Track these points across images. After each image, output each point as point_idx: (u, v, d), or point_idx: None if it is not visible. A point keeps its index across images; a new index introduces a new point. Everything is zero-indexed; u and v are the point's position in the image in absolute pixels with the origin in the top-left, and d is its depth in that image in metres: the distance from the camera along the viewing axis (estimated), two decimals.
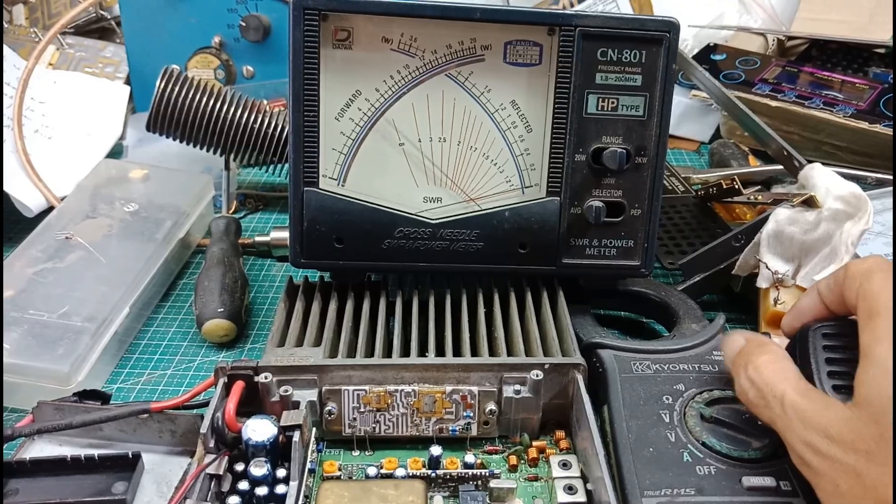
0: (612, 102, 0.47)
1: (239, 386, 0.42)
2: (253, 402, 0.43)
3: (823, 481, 0.32)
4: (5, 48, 0.77)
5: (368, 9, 0.46)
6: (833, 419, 0.32)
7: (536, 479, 0.41)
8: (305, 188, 0.47)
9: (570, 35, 0.46)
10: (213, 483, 0.39)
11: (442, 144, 0.48)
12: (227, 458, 0.40)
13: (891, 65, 0.81)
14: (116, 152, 0.78)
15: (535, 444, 0.43)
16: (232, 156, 0.68)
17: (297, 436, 0.40)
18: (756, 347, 0.38)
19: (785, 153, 0.56)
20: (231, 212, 0.70)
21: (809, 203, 0.49)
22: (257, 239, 0.65)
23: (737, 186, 0.55)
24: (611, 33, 0.46)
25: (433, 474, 0.41)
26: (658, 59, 0.47)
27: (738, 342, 0.39)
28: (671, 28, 0.46)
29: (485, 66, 0.47)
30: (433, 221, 0.48)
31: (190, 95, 0.65)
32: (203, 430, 0.40)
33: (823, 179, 0.50)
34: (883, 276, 0.35)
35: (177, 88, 0.65)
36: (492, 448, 0.43)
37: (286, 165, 0.69)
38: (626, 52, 0.46)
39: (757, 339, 0.39)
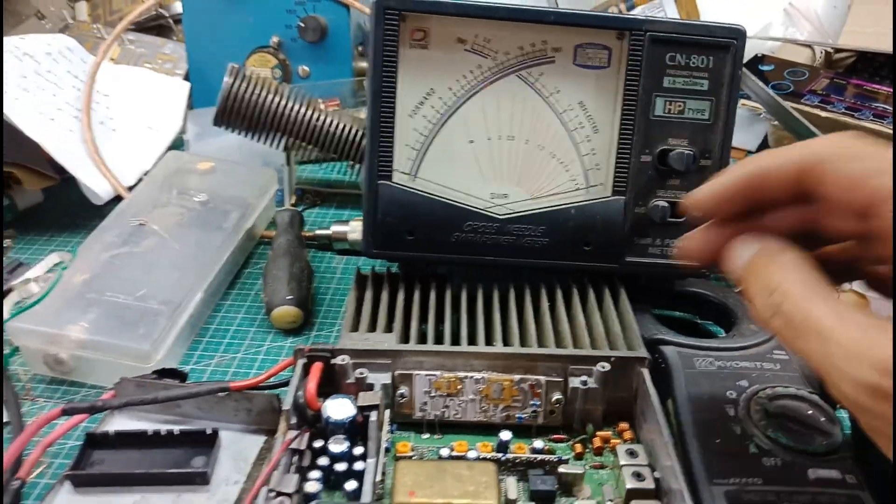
0: (679, 105, 0.49)
1: (318, 367, 0.44)
2: (327, 384, 0.45)
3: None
4: (73, 42, 0.80)
5: (445, 10, 0.48)
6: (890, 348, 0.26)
7: (602, 466, 0.43)
8: (380, 181, 0.49)
9: (640, 40, 0.48)
10: (294, 458, 0.41)
11: (510, 142, 0.50)
12: (307, 434, 0.42)
13: None
14: (177, 146, 0.80)
15: (599, 434, 0.45)
16: (294, 151, 0.70)
17: (374, 416, 0.42)
18: (768, 259, 0.31)
19: None
20: (291, 206, 0.72)
21: None
22: (318, 232, 0.67)
23: None
24: (680, 38, 0.48)
25: (503, 458, 0.42)
26: (725, 65, 0.48)
27: (748, 250, 0.33)
28: (738, 35, 0.48)
29: (555, 68, 0.49)
30: (500, 217, 0.50)
31: (256, 92, 0.67)
32: (286, 407, 0.42)
33: None
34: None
35: (243, 85, 0.67)
36: (557, 436, 0.45)
37: (344, 163, 0.72)
38: (694, 58, 0.48)
39: (770, 246, 0.32)
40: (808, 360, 0.29)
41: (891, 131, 0.72)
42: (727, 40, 0.48)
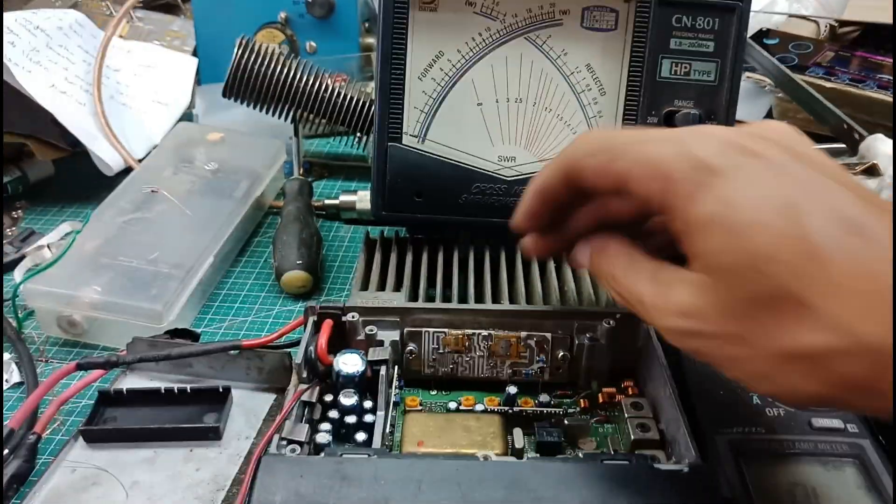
0: (685, 67, 0.49)
1: (328, 323, 0.45)
2: (337, 342, 0.46)
3: (717, 359, 0.29)
4: (84, 17, 0.81)
5: None
6: (683, 297, 0.30)
7: (608, 420, 0.44)
8: (389, 143, 0.50)
9: (647, 2, 0.48)
10: (305, 410, 0.42)
11: (518, 105, 0.50)
12: (318, 388, 0.43)
13: None
14: (185, 120, 0.81)
15: (604, 389, 0.45)
16: (301, 123, 0.71)
17: (383, 370, 0.43)
18: (598, 255, 0.36)
19: (845, 127, 0.57)
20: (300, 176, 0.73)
21: (871, 171, 0.51)
22: (326, 202, 0.68)
23: None
24: (686, 1, 0.48)
25: (510, 411, 0.43)
26: (730, 27, 0.49)
27: (583, 252, 0.37)
28: None
29: (562, 31, 0.49)
30: (508, 179, 0.51)
31: (265, 64, 0.68)
32: (298, 361, 0.42)
33: (886, 148, 0.51)
34: (636, 142, 0.32)
35: (253, 57, 0.68)
36: (563, 392, 0.46)
37: (351, 137, 0.72)
38: (700, 20, 0.49)
39: (596, 244, 0.37)
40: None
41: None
42: (733, 2, 0.48)
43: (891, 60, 0.80)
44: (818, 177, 0.28)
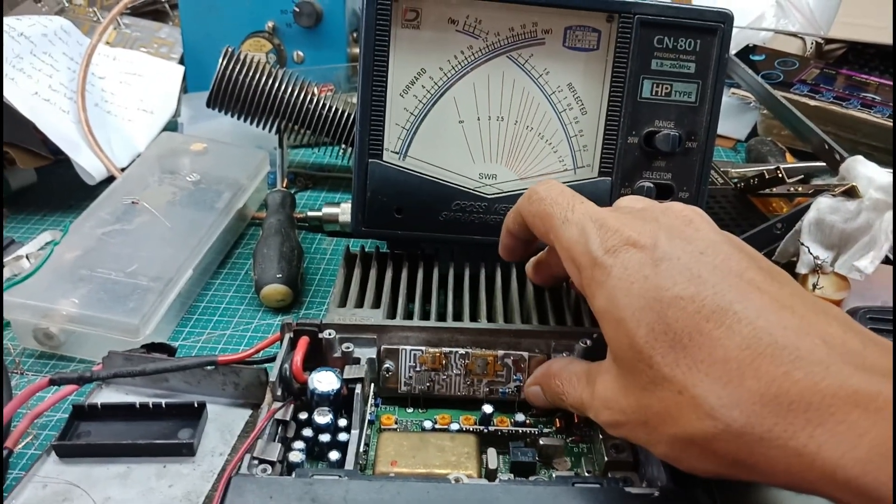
0: (666, 88, 0.49)
1: (304, 341, 0.44)
2: (314, 359, 0.45)
3: (640, 444, 0.34)
4: (69, 24, 0.80)
5: None
6: (602, 388, 0.35)
7: (582, 440, 0.44)
8: (370, 160, 0.50)
9: (629, 22, 0.48)
10: (279, 429, 0.42)
11: (500, 123, 0.50)
12: (293, 406, 0.43)
13: None
14: (170, 129, 0.81)
15: None
16: (286, 134, 0.70)
17: (359, 388, 0.42)
18: (545, 380, 0.42)
19: (826, 147, 0.58)
20: (283, 187, 0.73)
21: (850, 193, 0.51)
22: (309, 214, 0.67)
23: (781, 175, 0.57)
24: (668, 21, 0.48)
25: (485, 431, 0.43)
26: (712, 49, 0.49)
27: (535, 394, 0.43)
28: (726, 19, 0.49)
29: (545, 50, 0.49)
30: (489, 196, 0.51)
31: (250, 75, 0.68)
32: (272, 378, 0.42)
33: (866, 170, 0.52)
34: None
35: (237, 67, 0.68)
36: (538, 411, 0.45)
37: (335, 147, 0.72)
38: (682, 41, 0.49)
39: (540, 374, 0.43)
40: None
41: (878, 119, 0.73)
42: (715, 24, 0.49)
43: (876, 79, 0.81)
44: (690, 264, 0.31)
